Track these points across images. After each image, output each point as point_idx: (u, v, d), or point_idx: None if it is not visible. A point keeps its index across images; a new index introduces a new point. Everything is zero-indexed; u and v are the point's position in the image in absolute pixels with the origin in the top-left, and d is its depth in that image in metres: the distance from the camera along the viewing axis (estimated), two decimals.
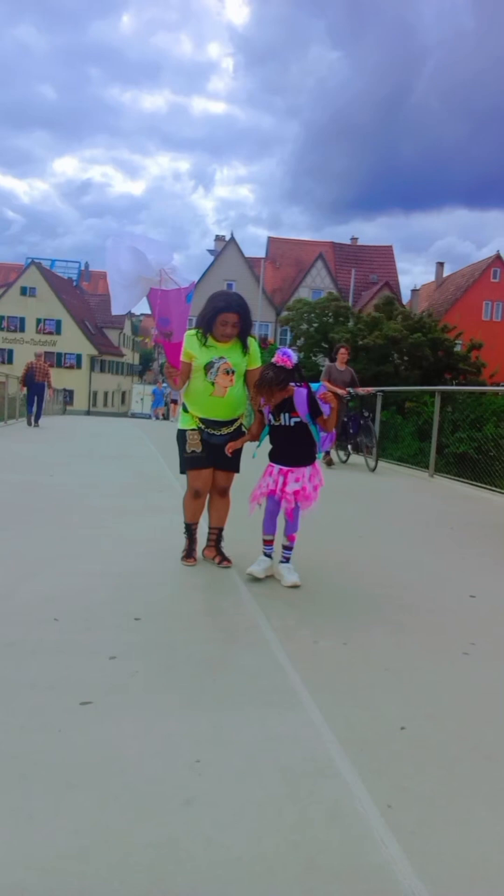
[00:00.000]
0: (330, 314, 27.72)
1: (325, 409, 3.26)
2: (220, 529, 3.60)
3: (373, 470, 8.45)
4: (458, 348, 26.56)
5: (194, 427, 3.34)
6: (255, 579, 3.33)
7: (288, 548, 3.40)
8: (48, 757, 1.73)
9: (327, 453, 8.44)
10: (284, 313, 31.36)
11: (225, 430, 3.36)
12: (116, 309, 3.04)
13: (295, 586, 3.26)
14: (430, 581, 3.59)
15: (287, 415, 3.29)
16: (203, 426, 3.34)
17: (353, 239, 49.68)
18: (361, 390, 8.72)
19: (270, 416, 3.36)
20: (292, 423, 3.30)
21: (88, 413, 38.36)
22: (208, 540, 3.65)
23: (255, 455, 3.46)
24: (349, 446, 9.13)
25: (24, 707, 1.99)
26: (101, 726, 1.89)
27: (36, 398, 14.33)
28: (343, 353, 8.66)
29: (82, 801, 1.56)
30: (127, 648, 2.43)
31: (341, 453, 9.25)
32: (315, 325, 27.87)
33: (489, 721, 2.07)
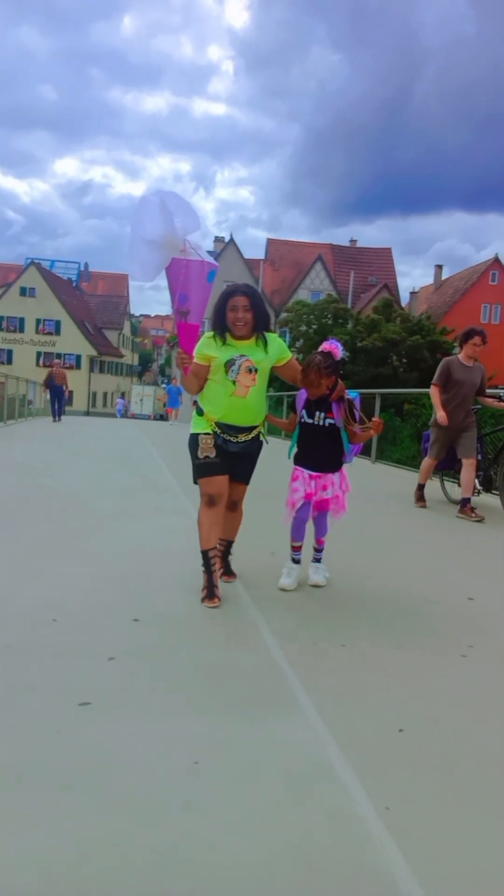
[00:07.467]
0: (329, 316, 27.79)
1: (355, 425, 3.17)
2: (230, 543, 3.39)
3: None
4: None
5: (209, 431, 3.03)
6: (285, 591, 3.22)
7: (318, 550, 3.42)
8: (47, 759, 1.72)
9: (466, 503, 5.60)
10: (283, 315, 31.40)
11: (243, 437, 3.05)
12: (137, 275, 2.84)
13: (317, 586, 3.32)
14: (429, 583, 3.59)
15: (322, 414, 3.20)
16: (219, 430, 3.03)
17: (352, 241, 49.79)
18: (492, 401, 6.11)
19: (304, 413, 3.24)
20: (326, 424, 3.20)
21: (87, 414, 38.33)
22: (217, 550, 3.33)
23: (291, 455, 3.32)
24: (477, 479, 6.02)
25: (23, 708, 1.99)
26: (100, 728, 1.89)
27: (56, 399, 16.82)
28: (477, 343, 5.79)
29: (81, 803, 1.55)
30: (126, 650, 2.43)
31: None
32: (314, 326, 27.93)
33: (487, 723, 2.07)
